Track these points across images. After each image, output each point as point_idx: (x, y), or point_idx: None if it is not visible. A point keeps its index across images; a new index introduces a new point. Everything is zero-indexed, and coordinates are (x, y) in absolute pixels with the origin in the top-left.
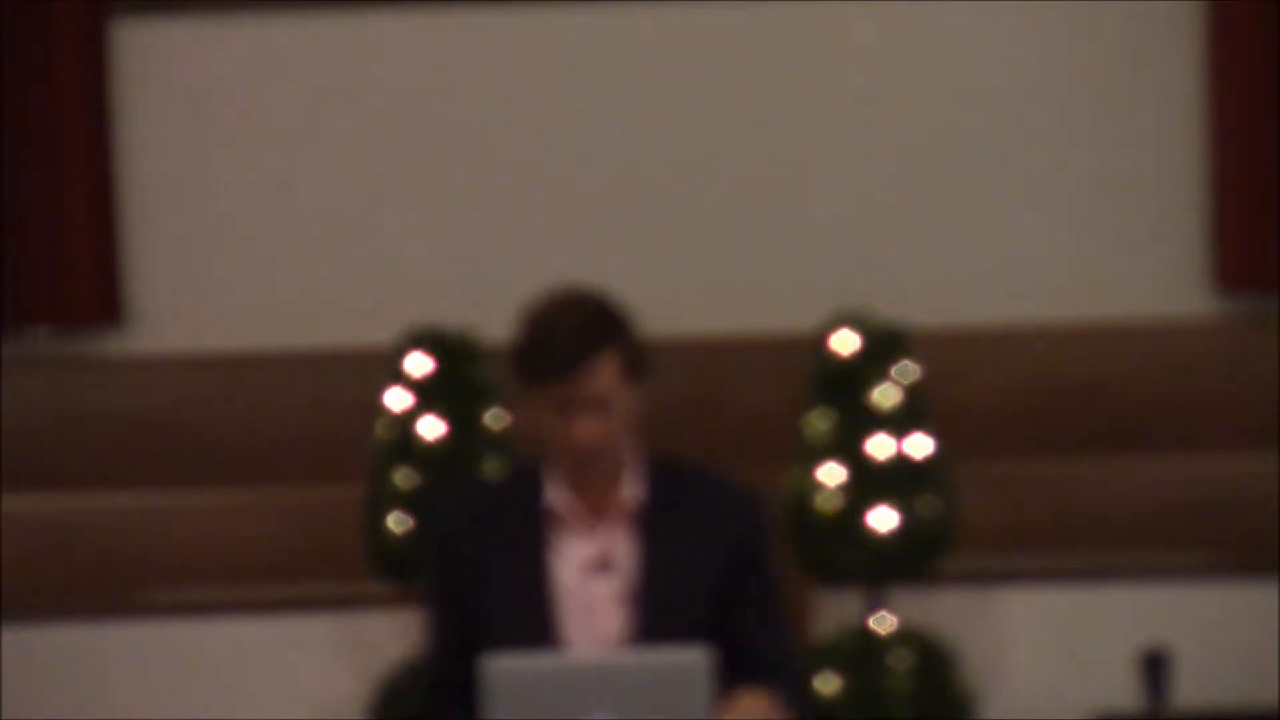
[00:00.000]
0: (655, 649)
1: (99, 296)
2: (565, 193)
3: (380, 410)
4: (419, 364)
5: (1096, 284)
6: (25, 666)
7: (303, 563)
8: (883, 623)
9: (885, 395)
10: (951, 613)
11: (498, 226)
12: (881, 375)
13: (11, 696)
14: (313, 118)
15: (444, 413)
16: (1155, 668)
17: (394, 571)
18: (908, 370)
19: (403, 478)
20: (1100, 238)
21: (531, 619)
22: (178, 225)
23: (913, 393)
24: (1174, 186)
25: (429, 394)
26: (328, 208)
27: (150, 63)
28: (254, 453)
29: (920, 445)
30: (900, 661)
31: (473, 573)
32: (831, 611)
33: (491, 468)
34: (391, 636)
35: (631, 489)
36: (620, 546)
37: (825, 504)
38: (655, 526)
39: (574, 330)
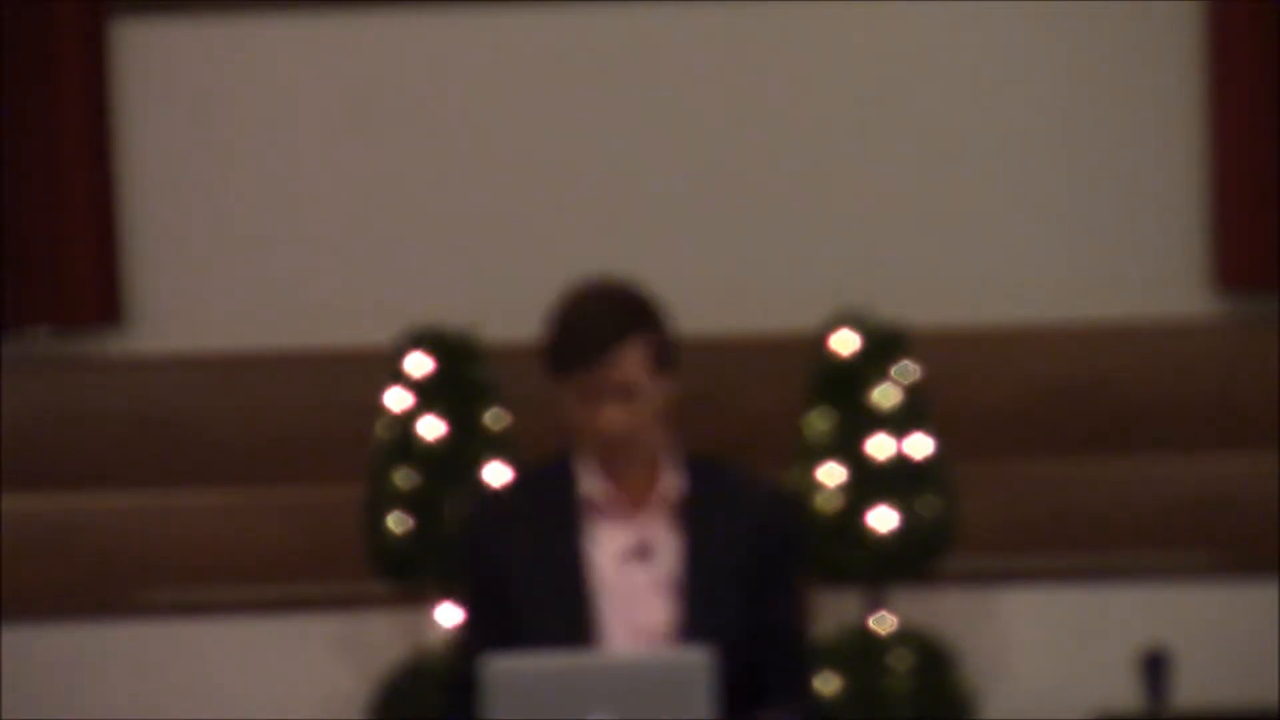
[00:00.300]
0: (655, 649)
1: (99, 296)
2: (565, 193)
3: (380, 410)
4: (419, 364)
5: (1096, 284)
6: (25, 666)
7: (303, 563)
8: (883, 623)
9: (885, 395)
10: (951, 613)
11: (498, 226)
12: (881, 375)
13: (11, 696)
14: (312, 118)
15: (444, 413)
16: (1155, 668)
17: (394, 571)
18: (908, 370)
19: (403, 478)
20: (1100, 238)
21: (571, 609)
22: (178, 225)
23: (913, 393)
24: (1174, 186)
25: (429, 394)
26: (328, 208)
27: (150, 63)
28: (254, 453)
29: (920, 445)
30: (900, 661)
31: (509, 567)
32: (831, 611)
33: (491, 468)
34: (391, 636)
35: (671, 480)
36: (659, 536)
37: (825, 504)
38: (696, 518)
39: (600, 317)
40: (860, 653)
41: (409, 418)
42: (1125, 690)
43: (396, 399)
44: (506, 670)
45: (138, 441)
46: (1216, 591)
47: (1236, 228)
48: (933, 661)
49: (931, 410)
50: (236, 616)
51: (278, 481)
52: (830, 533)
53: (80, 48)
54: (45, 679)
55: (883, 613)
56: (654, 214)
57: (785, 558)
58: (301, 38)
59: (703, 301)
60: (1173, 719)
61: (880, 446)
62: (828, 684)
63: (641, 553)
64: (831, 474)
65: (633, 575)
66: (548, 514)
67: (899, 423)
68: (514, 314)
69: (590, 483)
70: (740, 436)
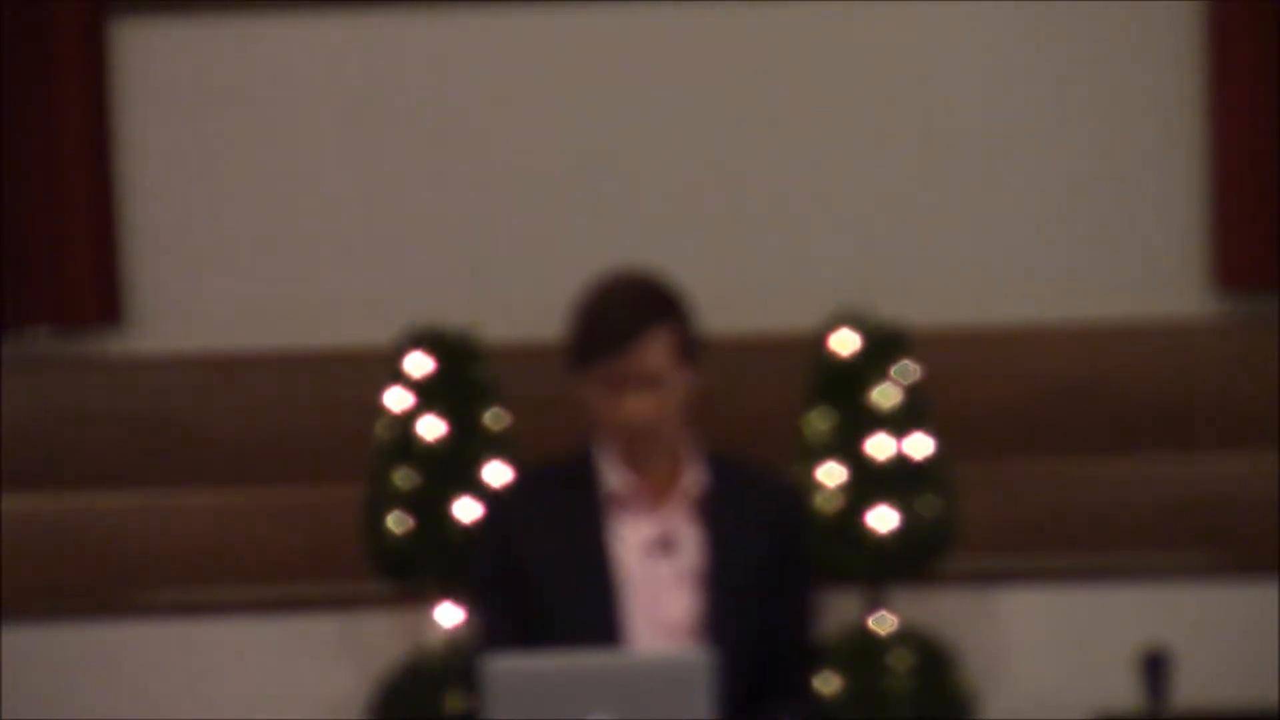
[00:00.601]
0: (655, 649)
1: (99, 296)
2: (565, 193)
3: (380, 410)
4: (419, 364)
5: (1096, 284)
6: (25, 666)
7: (303, 563)
8: (883, 623)
9: (885, 395)
10: (951, 613)
11: (498, 226)
12: (881, 375)
13: (11, 696)
14: (312, 118)
15: (444, 413)
16: (1155, 668)
17: (394, 572)
18: (908, 370)
19: (403, 478)
20: (1100, 237)
21: (597, 604)
22: (178, 225)
23: (913, 393)
24: (1174, 186)
25: (429, 394)
26: (328, 208)
27: (150, 63)
28: (254, 453)
29: (920, 445)
30: (900, 661)
31: (532, 562)
32: (831, 611)
33: (492, 468)
34: (391, 636)
35: (694, 473)
36: (681, 529)
37: (825, 504)
38: (718, 512)
39: (626, 307)
40: (860, 653)
41: (409, 418)
42: (1125, 690)
43: (396, 399)
44: (506, 670)
45: (138, 441)
46: (1216, 591)
47: (1236, 228)
48: (933, 661)
49: (931, 410)
50: (236, 617)
51: (277, 482)
52: (830, 533)
53: (80, 48)
54: (45, 679)
55: (883, 613)
56: (654, 214)
57: (802, 553)
58: (301, 38)
59: (703, 301)
60: (1172, 719)
61: (880, 446)
62: (828, 684)
63: (664, 546)
64: (831, 474)
65: (656, 568)
66: (571, 508)
67: (899, 423)
68: (514, 314)
69: (613, 475)
70: (740, 436)
